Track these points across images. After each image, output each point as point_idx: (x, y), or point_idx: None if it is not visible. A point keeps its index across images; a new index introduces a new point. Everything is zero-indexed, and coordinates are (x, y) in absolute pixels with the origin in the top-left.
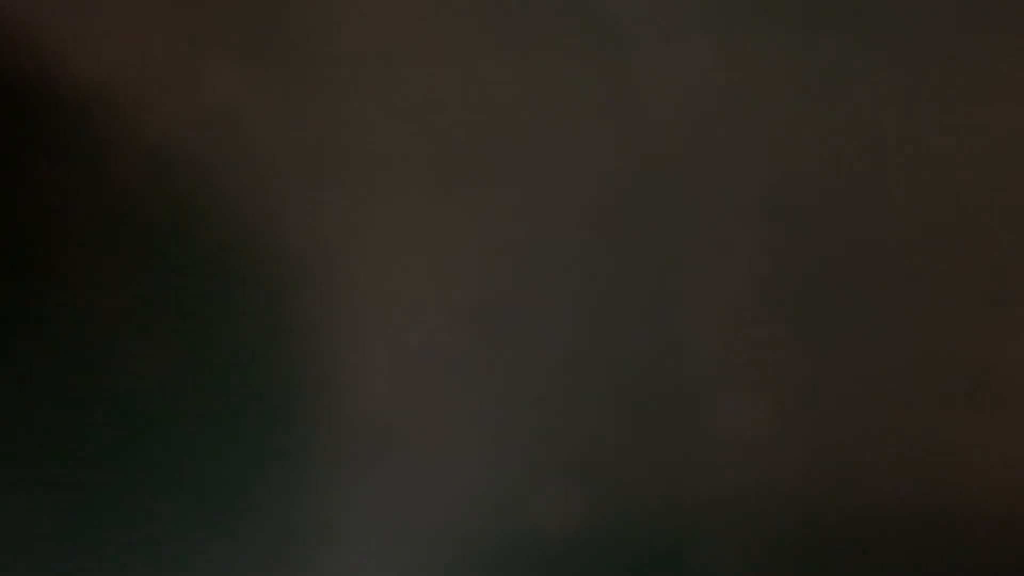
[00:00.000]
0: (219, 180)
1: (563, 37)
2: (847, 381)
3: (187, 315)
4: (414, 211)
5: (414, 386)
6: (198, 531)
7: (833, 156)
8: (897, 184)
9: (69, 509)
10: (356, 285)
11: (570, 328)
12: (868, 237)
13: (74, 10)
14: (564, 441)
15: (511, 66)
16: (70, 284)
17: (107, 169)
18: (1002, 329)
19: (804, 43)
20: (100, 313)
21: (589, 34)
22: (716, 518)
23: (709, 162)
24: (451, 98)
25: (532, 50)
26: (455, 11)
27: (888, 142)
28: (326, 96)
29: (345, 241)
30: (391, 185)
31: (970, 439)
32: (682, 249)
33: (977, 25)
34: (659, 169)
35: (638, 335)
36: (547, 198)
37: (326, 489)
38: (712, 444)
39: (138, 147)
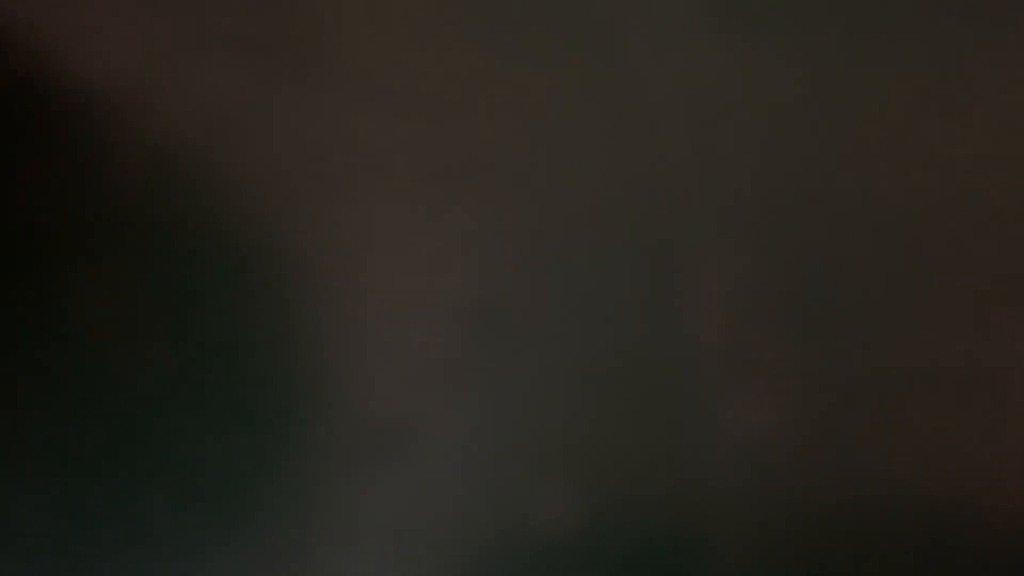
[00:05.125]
0: (219, 180)
1: (563, 38)
2: (847, 381)
3: (187, 315)
4: (414, 210)
5: (415, 386)
6: (197, 531)
7: (833, 156)
8: (897, 184)
9: (69, 509)
10: (356, 285)
11: (570, 328)
12: (868, 237)
13: (74, 10)
14: (564, 441)
15: (512, 66)
16: (70, 284)
17: (107, 169)
18: (1002, 329)
19: (803, 43)
20: (100, 313)
21: (589, 35)
22: (716, 518)
23: (709, 162)
24: (451, 99)
25: (532, 51)
26: (456, 12)
27: (888, 142)
28: (327, 96)
29: (345, 241)
30: (391, 184)
31: (970, 439)
32: (682, 249)
33: (978, 25)
34: (659, 169)
35: (638, 335)
36: (547, 198)
37: (326, 489)
38: (712, 444)
39: (138, 147)
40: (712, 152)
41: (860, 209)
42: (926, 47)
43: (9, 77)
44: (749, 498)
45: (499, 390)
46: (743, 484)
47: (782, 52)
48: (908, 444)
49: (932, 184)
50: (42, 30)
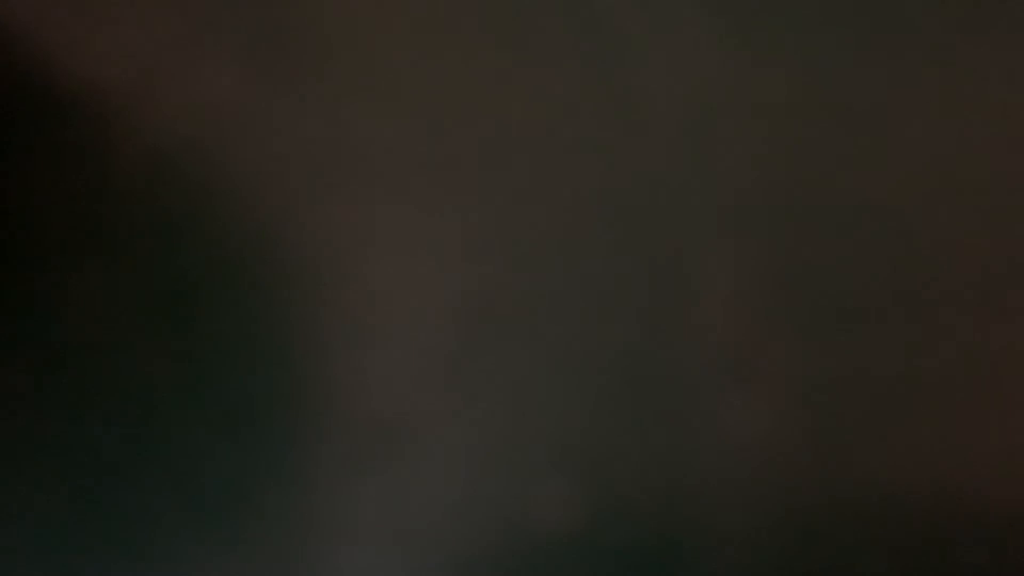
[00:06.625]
0: (219, 180)
1: (563, 39)
2: (847, 381)
3: (187, 315)
4: (414, 211)
5: (414, 386)
6: (198, 531)
7: (834, 156)
8: (897, 184)
9: (69, 509)
10: (356, 285)
11: (570, 328)
12: (868, 236)
13: (74, 10)
14: (564, 441)
15: (512, 67)
16: (70, 284)
17: (107, 169)
18: (1002, 328)
19: (804, 43)
20: (101, 313)
21: (589, 36)
22: (716, 517)
23: (710, 162)
24: (451, 99)
25: (532, 51)
26: (455, 12)
27: (888, 141)
28: (326, 96)
29: (345, 241)
30: (391, 185)
31: (970, 438)
32: (682, 249)
33: (977, 25)
34: (659, 169)
35: (638, 335)
36: (548, 198)
37: (326, 489)
38: (712, 443)
39: (138, 147)
40: (713, 152)
41: (860, 210)
42: (926, 48)
43: (9, 77)
44: (748, 498)
45: (499, 390)
46: (743, 484)
47: (783, 52)
48: (908, 444)
49: (932, 184)
50: (42, 30)
